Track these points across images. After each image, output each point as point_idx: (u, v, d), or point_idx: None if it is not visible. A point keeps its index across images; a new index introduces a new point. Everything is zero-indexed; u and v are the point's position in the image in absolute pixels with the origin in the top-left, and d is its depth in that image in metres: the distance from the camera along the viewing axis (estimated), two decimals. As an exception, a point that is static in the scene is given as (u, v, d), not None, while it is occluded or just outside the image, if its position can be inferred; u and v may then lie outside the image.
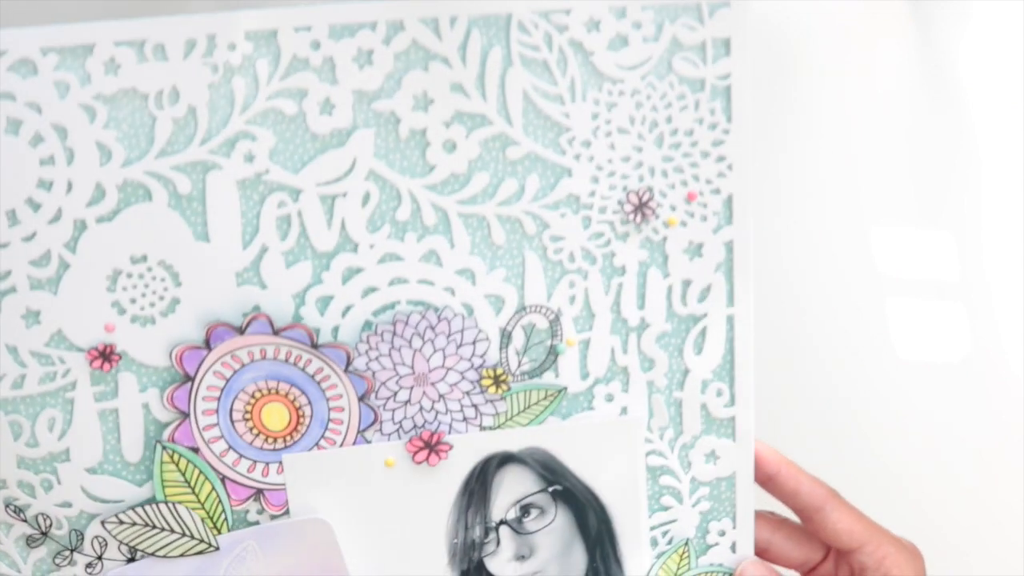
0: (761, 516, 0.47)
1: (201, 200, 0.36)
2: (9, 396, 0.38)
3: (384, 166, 0.36)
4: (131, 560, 0.39)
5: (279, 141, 0.35)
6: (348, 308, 0.39)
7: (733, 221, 0.38)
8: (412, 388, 0.38)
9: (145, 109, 0.34)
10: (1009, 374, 0.60)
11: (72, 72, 0.34)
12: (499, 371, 0.38)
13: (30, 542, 0.39)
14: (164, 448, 0.38)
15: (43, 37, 0.31)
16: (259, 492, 0.39)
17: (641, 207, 0.38)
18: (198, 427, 0.38)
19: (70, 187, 0.35)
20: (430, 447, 0.38)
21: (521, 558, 0.41)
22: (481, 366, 0.38)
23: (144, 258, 0.36)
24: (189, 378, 0.38)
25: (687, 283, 0.40)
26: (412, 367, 0.38)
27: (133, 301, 0.36)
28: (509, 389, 0.38)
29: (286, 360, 0.38)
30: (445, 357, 0.38)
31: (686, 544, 0.42)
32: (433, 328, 0.38)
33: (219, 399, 0.38)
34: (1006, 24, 0.57)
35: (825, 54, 0.51)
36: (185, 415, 0.38)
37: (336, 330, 0.38)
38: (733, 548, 0.43)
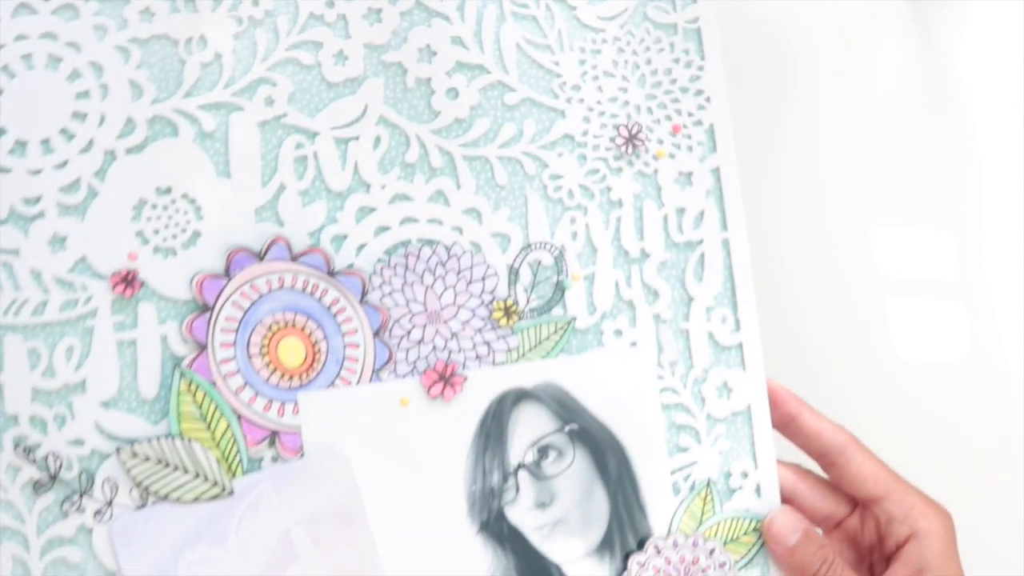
0: (784, 465, 0.63)
1: (224, 139, 0.58)
2: (29, 323, 0.56)
3: (393, 112, 0.60)
4: (142, 507, 0.56)
5: (297, 88, 0.59)
6: (362, 246, 0.60)
7: (717, 149, 0.63)
8: (425, 326, 0.59)
9: (175, 54, 0.58)
10: (1009, 374, 0.81)
11: (110, 17, 0.59)
12: (509, 302, 0.60)
13: (37, 488, 0.56)
14: (183, 375, 0.57)
15: (84, -4, 0.57)
16: (274, 435, 0.58)
17: (631, 139, 0.62)
18: (215, 360, 0.57)
19: (102, 120, 0.57)
20: (445, 379, 0.59)
21: (542, 505, 0.60)
22: (491, 302, 0.60)
23: (169, 190, 0.58)
24: (208, 308, 0.58)
25: (681, 211, 0.63)
26: (424, 304, 0.59)
27: (156, 232, 0.58)
28: (520, 320, 0.60)
29: (303, 290, 0.58)
30: (456, 294, 0.60)
31: (708, 486, 0.61)
32: (443, 264, 0.60)
33: (237, 331, 0.58)
34: (1006, 24, 0.81)
35: (825, 54, 0.74)
36: (203, 347, 0.57)
37: (350, 266, 0.59)
38: (758, 491, 0.62)
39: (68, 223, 0.59)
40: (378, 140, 0.62)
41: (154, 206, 0.60)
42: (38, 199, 0.59)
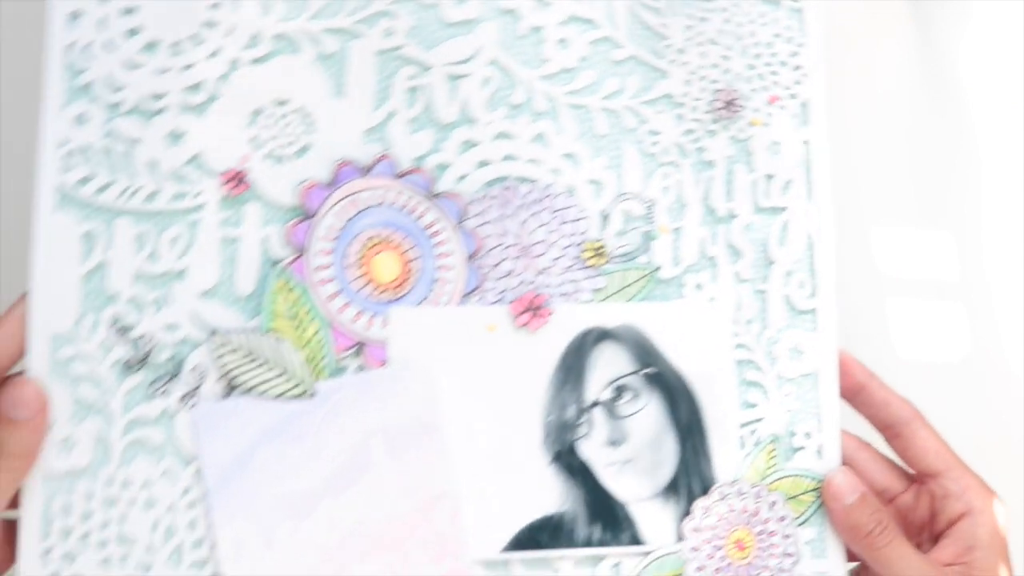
0: (845, 435, 0.62)
1: (342, 62, 0.59)
2: (140, 209, 0.56)
3: (504, 55, 0.61)
4: (226, 398, 0.57)
5: (416, 23, 0.60)
6: (463, 176, 0.60)
7: (809, 123, 0.64)
8: (517, 259, 0.59)
9: None
10: (1009, 374, 0.80)
11: None
12: (599, 244, 0.60)
13: (127, 367, 0.56)
14: (280, 275, 0.57)
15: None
16: (361, 346, 0.58)
17: (729, 105, 0.63)
18: (312, 266, 0.57)
19: (231, 31, 0.58)
20: (532, 310, 0.59)
21: (614, 443, 0.59)
22: (581, 243, 0.60)
23: (285, 102, 0.58)
24: (310, 215, 0.58)
25: (770, 177, 0.63)
26: (517, 238, 0.59)
27: (269, 139, 0.58)
28: (608, 261, 0.60)
29: (403, 208, 0.59)
30: (548, 232, 0.60)
31: (773, 441, 0.60)
32: (539, 202, 0.60)
33: (336, 240, 0.58)
34: (1006, 24, 0.79)
35: (825, 54, 0.67)
36: (301, 252, 0.57)
37: (453, 190, 0.60)
38: (820, 453, 0.61)
39: (187, 120, 0.59)
40: (487, 80, 0.63)
41: (270, 115, 0.61)
42: (162, 96, 0.59)
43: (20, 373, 0.54)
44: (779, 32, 0.62)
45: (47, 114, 0.56)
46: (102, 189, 0.56)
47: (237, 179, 0.56)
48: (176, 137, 0.56)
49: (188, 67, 0.57)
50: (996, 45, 0.78)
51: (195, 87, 0.57)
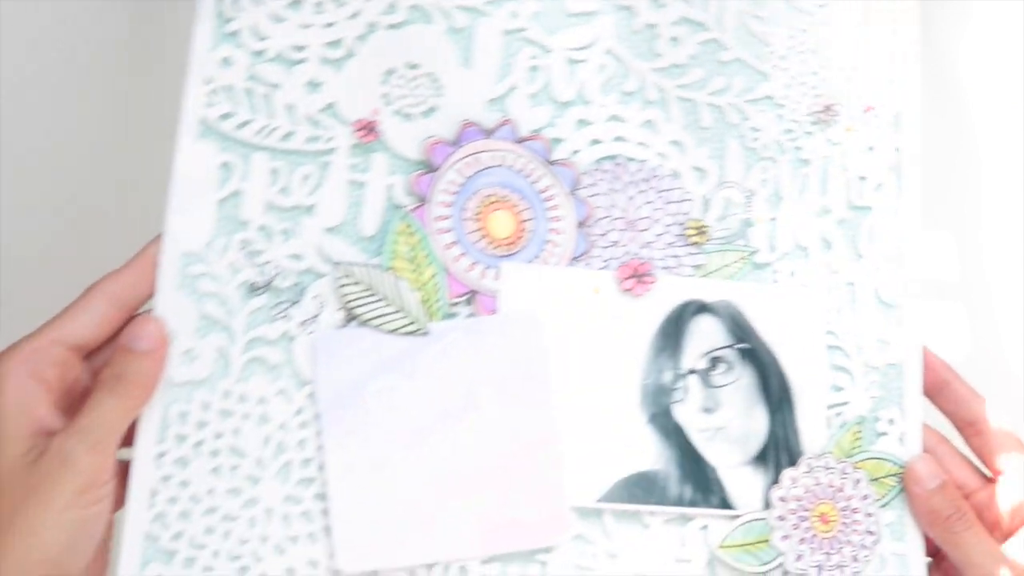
0: (926, 428, 0.63)
1: (470, 37, 0.63)
2: (276, 146, 0.59)
3: (619, 46, 0.65)
4: (343, 328, 0.59)
5: (540, 9, 0.64)
6: (576, 151, 0.63)
7: (902, 130, 0.67)
8: (623, 231, 0.62)
9: None
10: (1009, 374, 0.80)
11: None
12: (702, 223, 0.63)
13: (252, 290, 0.58)
14: (404, 217, 0.60)
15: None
16: (473, 294, 0.61)
17: (825, 110, 0.66)
18: (432, 215, 0.60)
19: None
20: (637, 276, 0.61)
21: (707, 411, 0.62)
22: (684, 222, 0.63)
23: (416, 66, 0.62)
24: (434, 169, 0.61)
25: (862, 179, 0.66)
26: (624, 211, 0.62)
27: (400, 98, 0.61)
28: (709, 240, 0.63)
29: (520, 171, 0.62)
30: (654, 209, 0.63)
31: (859, 423, 0.62)
32: (647, 180, 0.63)
33: (456, 194, 0.61)
34: (1006, 24, 0.79)
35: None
36: (424, 201, 0.60)
37: (569, 159, 0.63)
38: (902, 440, 0.63)
39: (325, 72, 0.62)
40: (603, 67, 0.67)
41: (401, 76, 0.64)
42: (303, 48, 0.62)
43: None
44: (875, 48, 0.66)
45: (196, 54, 0.59)
46: (242, 125, 0.58)
47: (368, 128, 0.59)
48: (314, 86, 0.60)
49: (329, 25, 0.60)
50: (996, 45, 0.80)
51: (335, 43, 0.60)
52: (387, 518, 0.55)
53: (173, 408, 0.55)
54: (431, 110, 0.61)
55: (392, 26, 0.61)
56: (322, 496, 0.55)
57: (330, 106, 0.59)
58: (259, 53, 0.59)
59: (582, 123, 0.63)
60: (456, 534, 0.56)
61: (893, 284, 0.63)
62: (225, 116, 0.58)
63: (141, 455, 0.54)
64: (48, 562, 0.48)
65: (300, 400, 0.56)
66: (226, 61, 0.59)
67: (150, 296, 0.55)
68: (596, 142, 0.62)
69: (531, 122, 0.62)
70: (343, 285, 0.57)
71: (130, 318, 0.56)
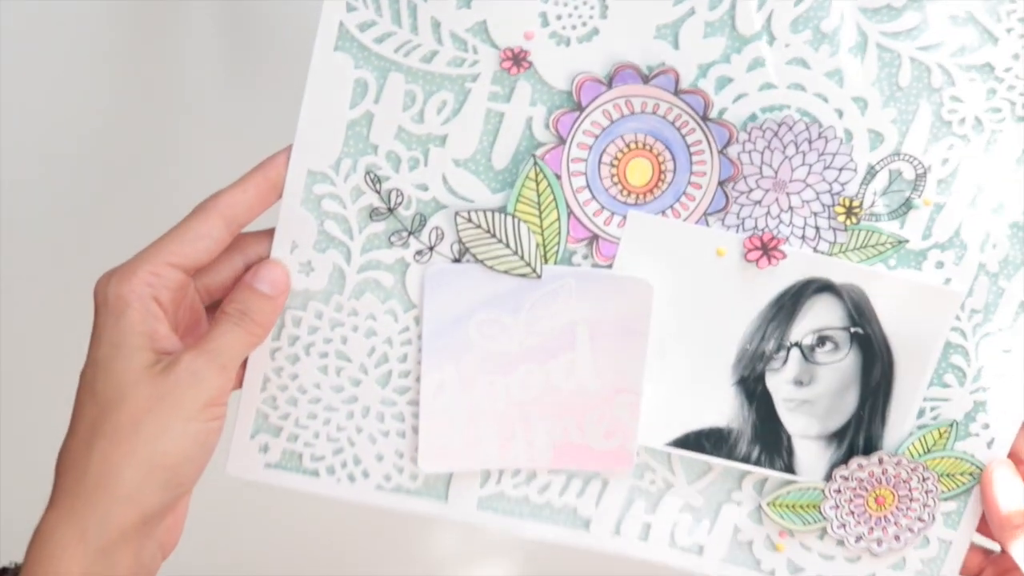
0: (1022, 428, 0.60)
1: None
2: (415, 67, 0.55)
3: None
4: (457, 262, 0.58)
5: None
6: (741, 95, 0.56)
7: None
8: (768, 191, 0.57)
9: None
10: None
11: None
12: (855, 203, 0.57)
13: (373, 215, 0.57)
14: (536, 164, 0.56)
15: None
16: (594, 238, 0.58)
17: None
18: (568, 157, 0.56)
19: None
20: (766, 250, 0.57)
21: (799, 384, 0.60)
22: (839, 193, 0.57)
23: None
24: (580, 108, 0.55)
25: None
26: (776, 172, 0.57)
27: (559, 17, 0.54)
28: (857, 223, 0.57)
29: (673, 122, 0.56)
30: (810, 173, 0.57)
31: (951, 426, 0.61)
32: (811, 142, 0.56)
33: (597, 137, 0.56)
34: None
35: None
36: (562, 142, 0.56)
37: (722, 112, 0.56)
38: (991, 445, 0.61)
39: None
40: None
41: None
42: None
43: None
44: None
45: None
46: (382, 39, 0.54)
47: (516, 59, 0.54)
48: (464, 1, 0.54)
49: (494, -77, 0.52)
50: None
51: (495, -49, 0.52)
52: (469, 430, 0.59)
53: (288, 313, 0.58)
54: (592, 34, 0.55)
55: (563, -67, 0.53)
56: (415, 403, 0.60)
57: (480, 24, 0.54)
58: (410, -46, 0.53)
59: (758, 63, 0.56)
60: (529, 448, 0.61)
61: (1045, 300, 0.59)
62: (365, 25, 0.54)
63: (257, 348, 0.59)
64: (169, 468, 0.53)
65: (406, 321, 0.58)
66: (373, -41, 0.53)
67: (259, 214, 0.56)
68: (768, 87, 0.56)
69: (701, 55, 0.55)
70: (462, 230, 0.57)
71: (241, 239, 0.58)
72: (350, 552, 0.90)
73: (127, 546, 0.52)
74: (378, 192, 0.54)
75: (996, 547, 0.62)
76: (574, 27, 0.53)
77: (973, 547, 0.62)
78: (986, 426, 0.58)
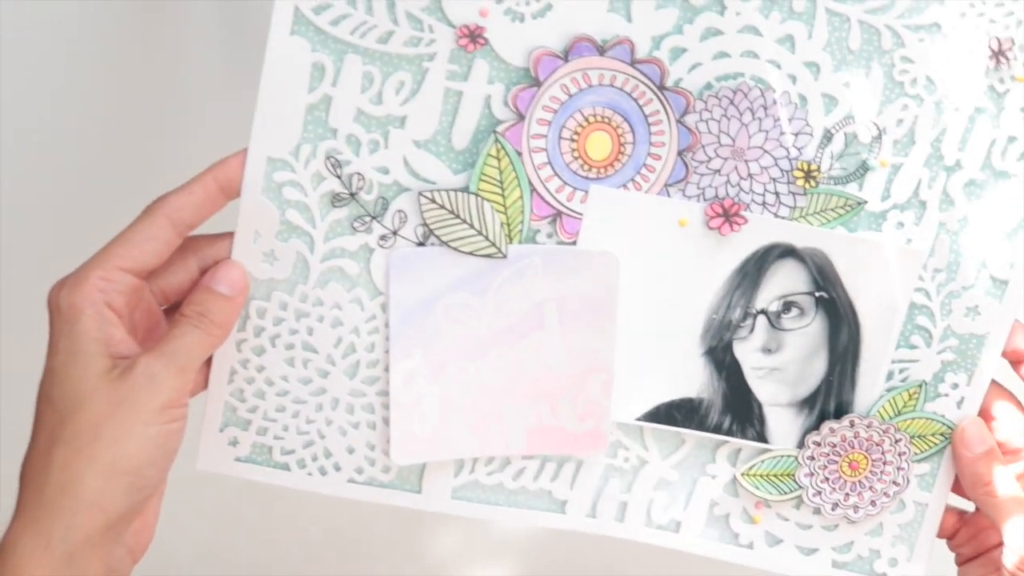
0: (996, 385, 0.61)
1: None
2: (372, 48, 0.54)
3: None
4: (421, 245, 0.57)
5: None
6: (696, 65, 0.56)
7: None
8: (727, 160, 0.57)
9: None
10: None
11: None
12: (813, 166, 0.57)
13: (335, 200, 0.56)
14: (497, 140, 0.55)
15: None
16: (558, 215, 0.57)
17: (999, 53, 0.56)
18: (528, 133, 0.56)
19: None
20: (727, 216, 0.57)
21: (767, 351, 0.60)
22: (796, 157, 0.57)
23: None
24: (537, 83, 0.55)
25: (1011, 139, 0.57)
26: (734, 139, 0.57)
27: None
28: (816, 187, 0.57)
29: (630, 93, 0.56)
30: (767, 139, 0.57)
31: (920, 387, 0.60)
32: (766, 108, 0.56)
33: (556, 112, 0.56)
34: None
35: None
36: (521, 118, 0.56)
37: (678, 82, 0.56)
38: (960, 404, 0.61)
39: None
40: None
41: None
42: None
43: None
44: (1082, -18, 0.55)
45: (293, -71, 0.51)
46: (337, 21, 0.53)
47: (472, 36, 0.54)
48: (419, -21, 0.52)
49: None
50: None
51: (447, -79, 0.52)
52: (441, 419, 0.58)
53: (252, 304, 0.56)
54: (546, 9, 0.54)
55: (514, -93, 0.53)
56: (385, 392, 0.58)
57: (436, 3, 0.53)
58: (361, -72, 0.52)
59: (711, 32, 0.55)
60: (502, 436, 0.60)
61: (1005, 258, 0.59)
62: (321, 8, 0.53)
63: (223, 340, 0.57)
64: (131, 471, 0.51)
65: (373, 309, 0.57)
66: (325, -60, 0.52)
67: (208, 216, 0.55)
68: (722, 55, 0.56)
69: (653, 27, 0.55)
70: (425, 211, 0.56)
71: (194, 241, 0.58)
72: (351, 552, 0.88)
73: (94, 552, 0.51)
74: (339, 177, 0.53)
75: (971, 506, 0.60)
76: (528, 3, 0.52)
77: (948, 509, 0.61)
78: (955, 386, 0.58)
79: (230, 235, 0.56)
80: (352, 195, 0.54)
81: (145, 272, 0.54)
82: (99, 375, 0.52)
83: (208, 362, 0.57)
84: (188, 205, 0.54)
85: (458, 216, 0.54)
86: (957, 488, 0.61)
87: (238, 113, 0.55)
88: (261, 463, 0.57)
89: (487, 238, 0.54)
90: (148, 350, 0.52)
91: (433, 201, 0.53)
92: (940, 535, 0.61)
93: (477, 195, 0.54)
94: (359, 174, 0.53)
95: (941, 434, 0.59)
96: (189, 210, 0.54)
